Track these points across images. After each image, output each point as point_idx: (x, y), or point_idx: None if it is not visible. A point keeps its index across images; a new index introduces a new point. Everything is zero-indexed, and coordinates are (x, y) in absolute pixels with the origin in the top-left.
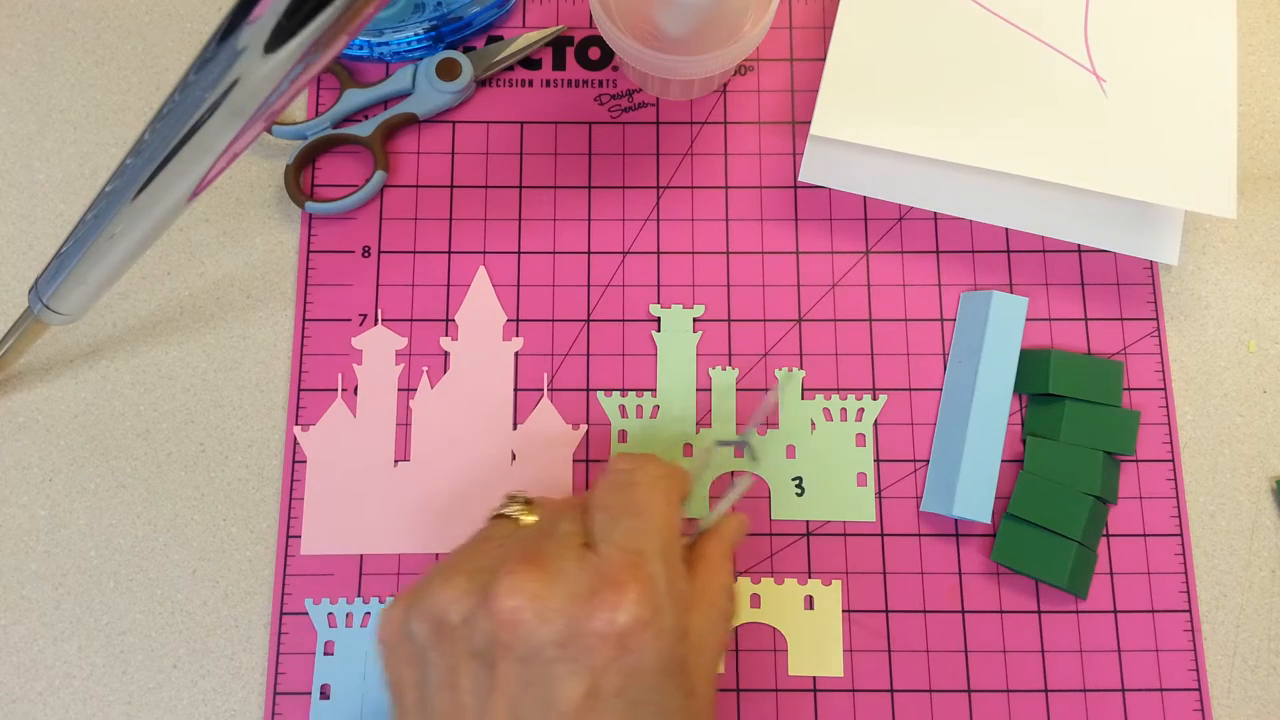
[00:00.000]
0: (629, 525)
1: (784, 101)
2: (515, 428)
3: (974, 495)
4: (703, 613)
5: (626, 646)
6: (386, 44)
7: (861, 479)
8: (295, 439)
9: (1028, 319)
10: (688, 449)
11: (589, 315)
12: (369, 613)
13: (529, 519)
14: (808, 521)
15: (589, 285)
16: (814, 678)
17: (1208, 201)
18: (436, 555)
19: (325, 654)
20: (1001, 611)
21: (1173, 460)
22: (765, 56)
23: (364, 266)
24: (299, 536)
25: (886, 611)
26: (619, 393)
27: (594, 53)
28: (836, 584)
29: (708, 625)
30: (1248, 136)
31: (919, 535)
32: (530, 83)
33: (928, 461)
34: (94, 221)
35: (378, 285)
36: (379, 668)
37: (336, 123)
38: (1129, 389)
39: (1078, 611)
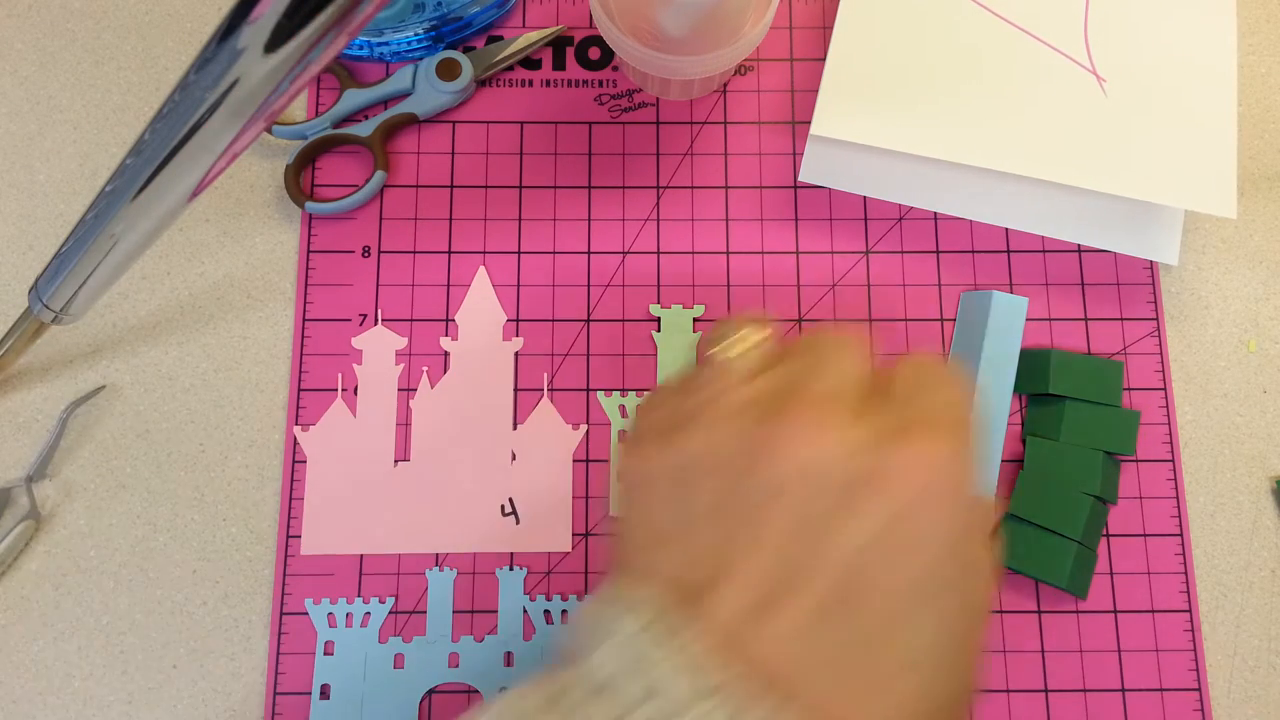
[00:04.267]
0: (946, 394)
1: (784, 101)
2: (515, 428)
3: None
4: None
5: (929, 497)
6: (386, 44)
7: None
8: (295, 439)
9: (1028, 319)
10: None
11: (589, 315)
12: (369, 613)
13: (754, 358)
14: None
15: (589, 285)
16: None
17: (1208, 201)
18: (437, 556)
19: (325, 654)
20: (1001, 611)
21: (1173, 460)
22: (765, 56)
23: (364, 266)
24: (299, 536)
25: None
26: (619, 393)
27: (594, 53)
28: None
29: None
30: (1248, 136)
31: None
32: (530, 83)
33: None
34: (94, 221)
35: (378, 285)
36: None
37: (336, 123)
38: (1129, 389)
39: (1078, 611)
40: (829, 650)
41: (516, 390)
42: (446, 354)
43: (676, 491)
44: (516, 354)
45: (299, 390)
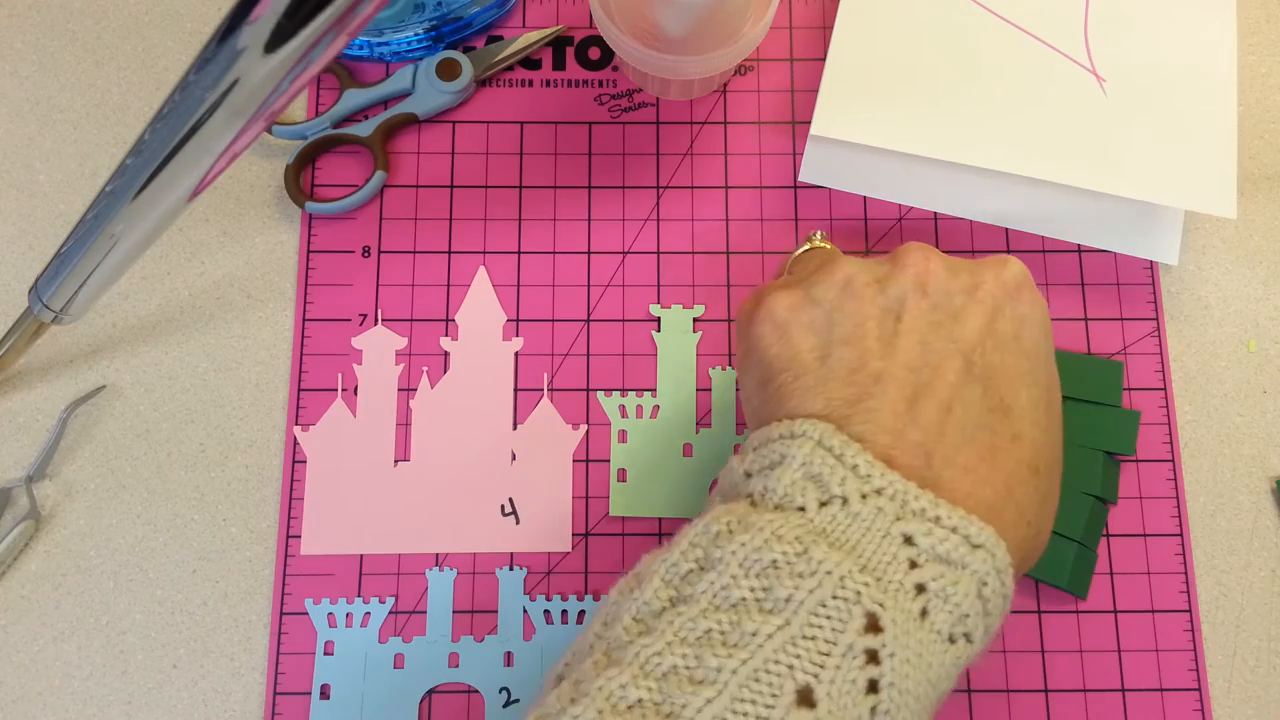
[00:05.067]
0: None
1: (784, 101)
2: (515, 428)
3: None
4: None
5: (1018, 296)
6: (386, 44)
7: None
8: (295, 439)
9: None
10: (688, 449)
11: (589, 315)
12: (369, 613)
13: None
14: None
15: (589, 285)
16: None
17: (1208, 201)
18: (437, 556)
19: (325, 654)
20: None
21: (1173, 460)
22: (765, 56)
23: (364, 266)
24: (299, 536)
25: None
26: (619, 393)
27: (594, 53)
28: None
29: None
30: (1248, 136)
31: None
32: (530, 83)
33: None
34: (94, 221)
35: (378, 285)
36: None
37: (336, 123)
38: (1129, 389)
39: (1078, 611)
40: (959, 434)
41: (516, 390)
42: (446, 354)
43: (815, 319)
44: (516, 354)
45: (299, 390)
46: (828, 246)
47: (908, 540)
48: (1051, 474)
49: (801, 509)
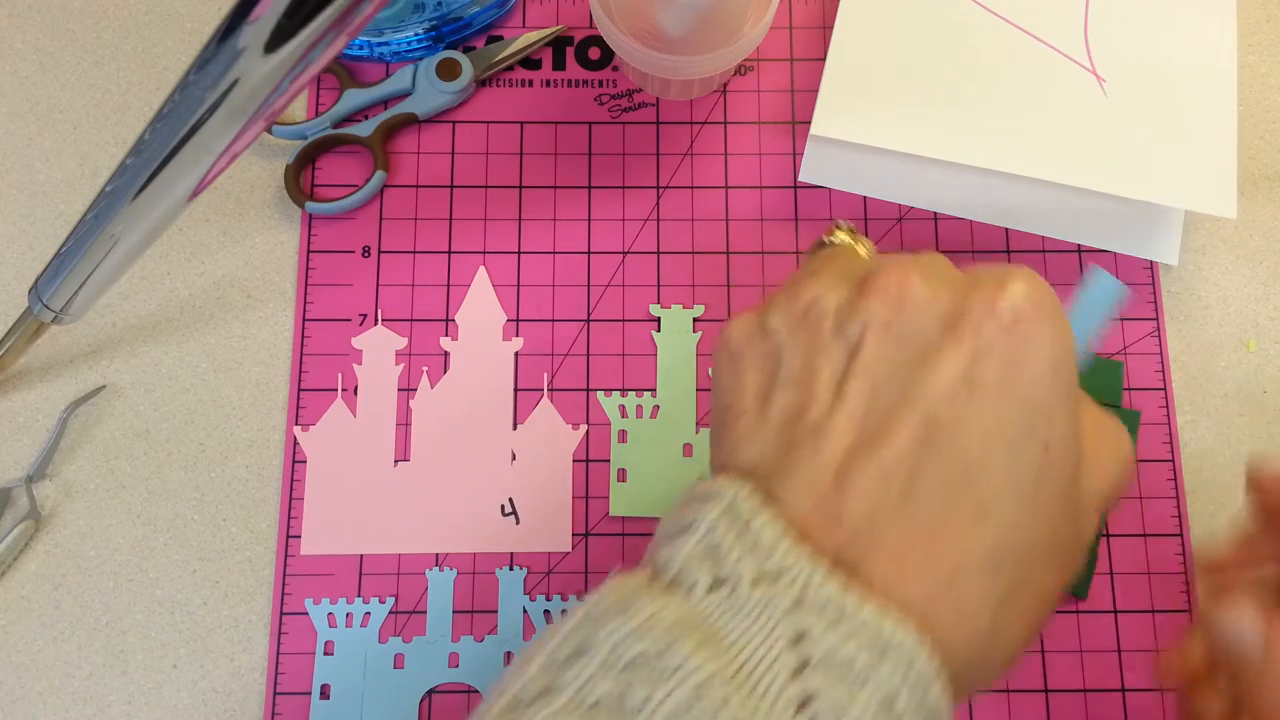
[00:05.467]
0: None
1: (784, 101)
2: (515, 428)
3: None
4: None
5: (1017, 328)
6: (386, 44)
7: None
8: (295, 439)
9: None
10: (688, 449)
11: (589, 315)
12: (369, 613)
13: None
14: None
15: (589, 285)
16: None
17: (1208, 201)
18: (437, 556)
19: (325, 654)
20: None
21: (1173, 460)
22: (765, 56)
23: (364, 266)
24: (299, 536)
25: None
26: (619, 393)
27: (594, 53)
28: None
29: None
30: (1248, 136)
31: None
32: (530, 83)
33: None
34: (94, 221)
35: (378, 285)
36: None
37: (336, 123)
38: (1129, 389)
39: (1078, 611)
40: (898, 507)
41: (516, 390)
42: (446, 354)
43: (766, 352)
44: (516, 354)
45: (299, 390)
46: (846, 242)
47: (798, 639)
48: (1029, 563)
49: (692, 589)
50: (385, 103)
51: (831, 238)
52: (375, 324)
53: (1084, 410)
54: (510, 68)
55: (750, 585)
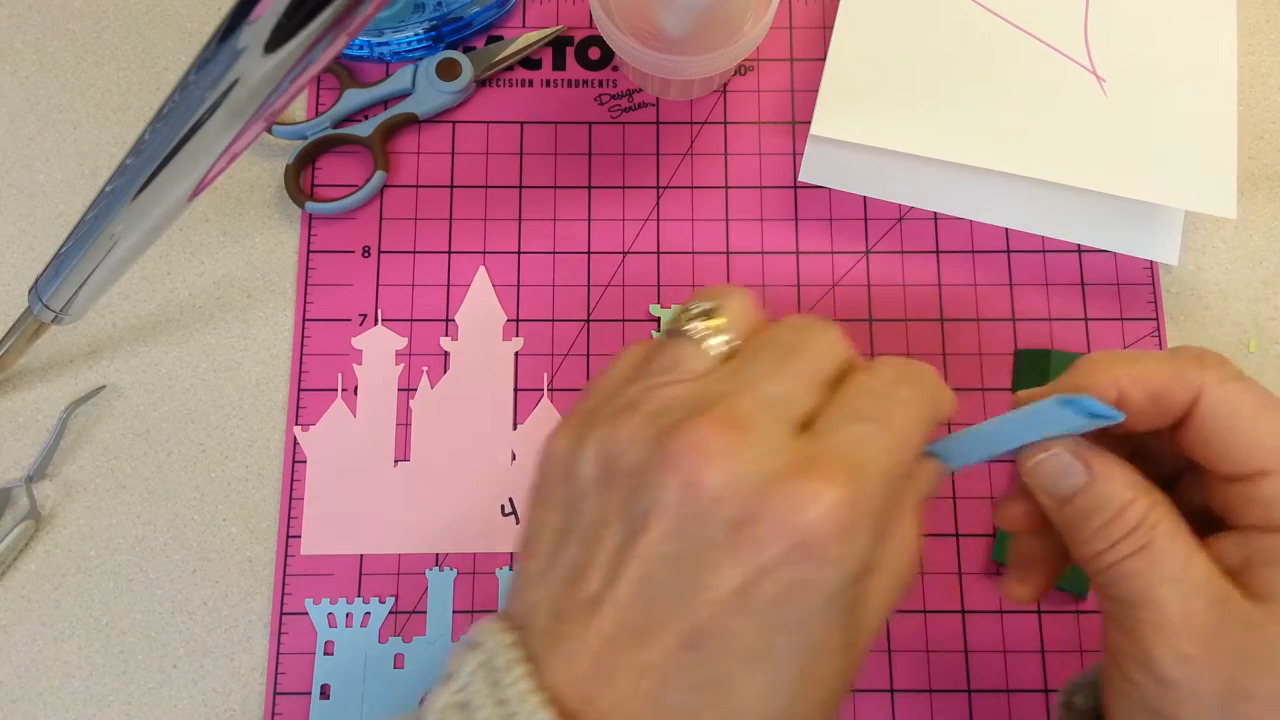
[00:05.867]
0: (867, 430)
1: (784, 101)
2: (515, 428)
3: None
4: (886, 566)
5: (806, 551)
6: (386, 44)
7: None
8: (295, 439)
9: (1028, 319)
10: None
11: (589, 315)
12: (369, 613)
13: (720, 346)
14: None
15: (589, 285)
16: None
17: (1208, 201)
18: (437, 556)
19: (325, 654)
20: (1001, 611)
21: None
22: (765, 56)
23: (364, 266)
24: (299, 536)
25: None
26: None
27: (594, 53)
28: None
29: (886, 582)
30: (1248, 136)
31: (918, 535)
32: (530, 83)
33: None
34: (94, 221)
35: (378, 285)
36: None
37: (336, 123)
38: None
39: (1078, 611)
40: (649, 707)
41: (516, 390)
42: (446, 354)
43: (571, 495)
44: (516, 354)
45: (299, 390)
46: (693, 335)
47: None
48: None
49: None
50: (385, 103)
51: (682, 324)
52: (375, 324)
53: (890, 540)
54: (510, 68)
55: None
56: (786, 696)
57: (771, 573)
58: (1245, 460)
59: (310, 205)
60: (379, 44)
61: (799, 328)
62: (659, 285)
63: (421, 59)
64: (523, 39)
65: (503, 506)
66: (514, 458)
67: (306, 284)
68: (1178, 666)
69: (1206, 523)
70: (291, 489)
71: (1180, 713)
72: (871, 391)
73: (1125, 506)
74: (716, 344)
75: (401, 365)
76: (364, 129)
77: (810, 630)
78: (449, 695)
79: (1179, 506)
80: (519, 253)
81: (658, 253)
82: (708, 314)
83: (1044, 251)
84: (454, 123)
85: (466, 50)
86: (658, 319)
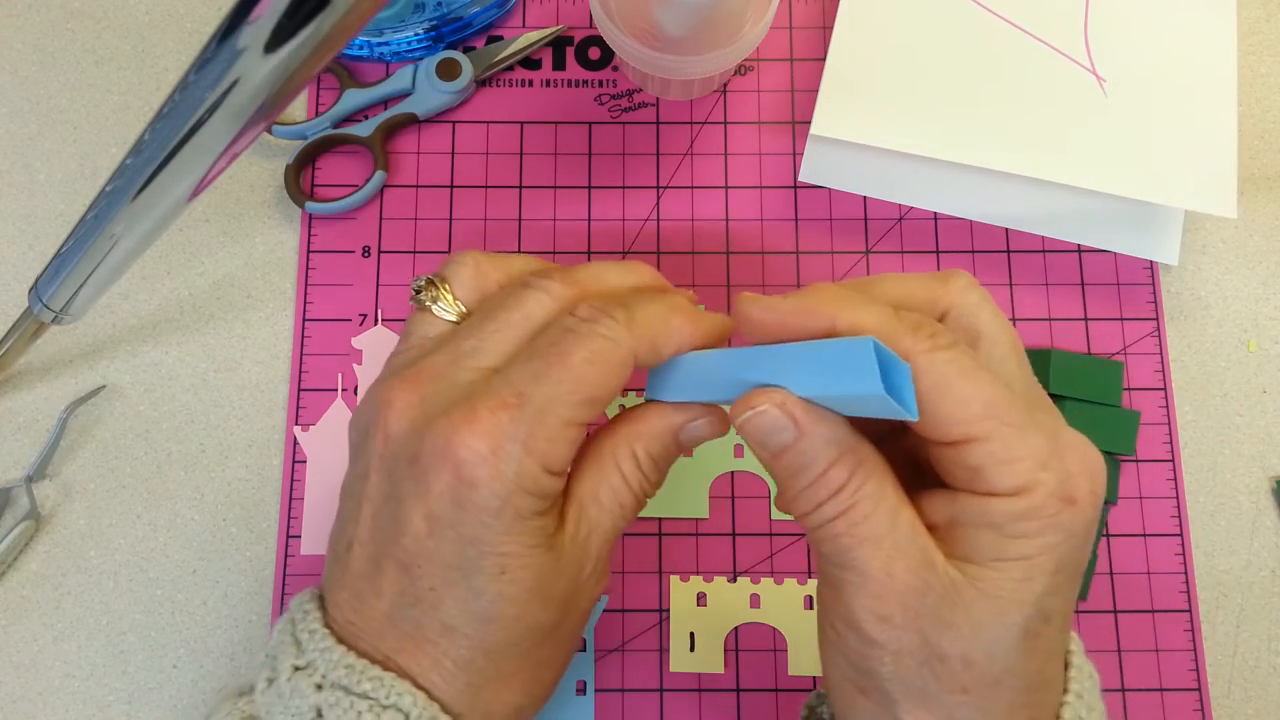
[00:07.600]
0: (536, 367)
1: (784, 101)
2: None
3: None
4: (578, 490)
5: (459, 475)
6: (386, 44)
7: None
8: (295, 439)
9: (1028, 319)
10: None
11: None
12: None
13: (444, 311)
14: None
15: None
16: (814, 677)
17: (1208, 201)
18: None
19: None
20: None
21: (1173, 460)
22: (765, 56)
23: (364, 266)
24: (299, 536)
25: None
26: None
27: (594, 53)
28: None
29: (583, 502)
30: (1248, 136)
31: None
32: (530, 83)
33: None
34: (94, 221)
35: (378, 285)
36: None
37: (336, 123)
38: (1129, 389)
39: (1078, 611)
40: (389, 618)
41: None
42: None
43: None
44: None
45: (299, 390)
46: (426, 302)
47: (318, 713)
48: (514, 656)
49: (255, 690)
50: (385, 103)
51: (411, 295)
52: (375, 324)
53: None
54: (510, 68)
55: (287, 678)
56: (489, 595)
57: (443, 497)
58: (951, 428)
59: (310, 205)
60: (379, 44)
61: (514, 289)
62: None
63: (421, 59)
64: (523, 39)
65: None
66: None
67: (306, 284)
68: (878, 627)
69: (926, 473)
70: (291, 489)
71: (882, 670)
72: (557, 331)
73: (829, 466)
74: (440, 310)
75: None
76: (364, 129)
77: (492, 538)
78: (267, 649)
79: (901, 455)
80: (519, 253)
81: (658, 253)
82: (432, 283)
83: (1044, 251)
84: (454, 123)
85: (466, 50)
86: None
